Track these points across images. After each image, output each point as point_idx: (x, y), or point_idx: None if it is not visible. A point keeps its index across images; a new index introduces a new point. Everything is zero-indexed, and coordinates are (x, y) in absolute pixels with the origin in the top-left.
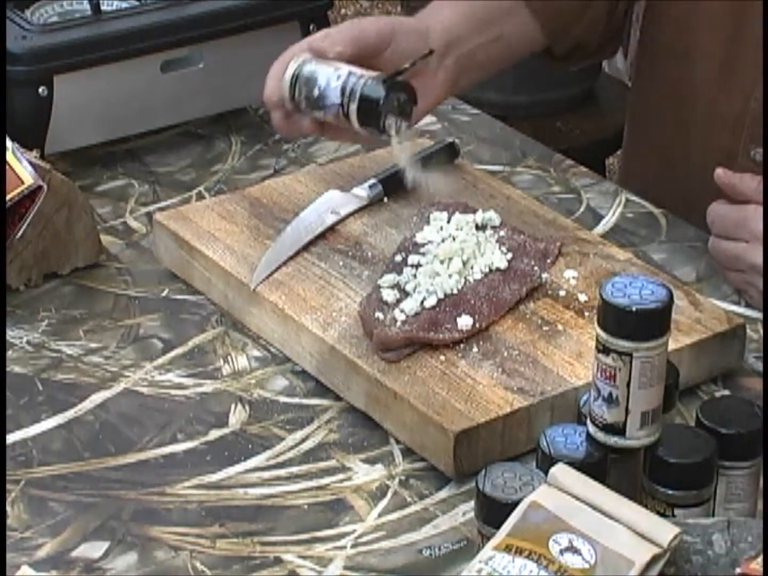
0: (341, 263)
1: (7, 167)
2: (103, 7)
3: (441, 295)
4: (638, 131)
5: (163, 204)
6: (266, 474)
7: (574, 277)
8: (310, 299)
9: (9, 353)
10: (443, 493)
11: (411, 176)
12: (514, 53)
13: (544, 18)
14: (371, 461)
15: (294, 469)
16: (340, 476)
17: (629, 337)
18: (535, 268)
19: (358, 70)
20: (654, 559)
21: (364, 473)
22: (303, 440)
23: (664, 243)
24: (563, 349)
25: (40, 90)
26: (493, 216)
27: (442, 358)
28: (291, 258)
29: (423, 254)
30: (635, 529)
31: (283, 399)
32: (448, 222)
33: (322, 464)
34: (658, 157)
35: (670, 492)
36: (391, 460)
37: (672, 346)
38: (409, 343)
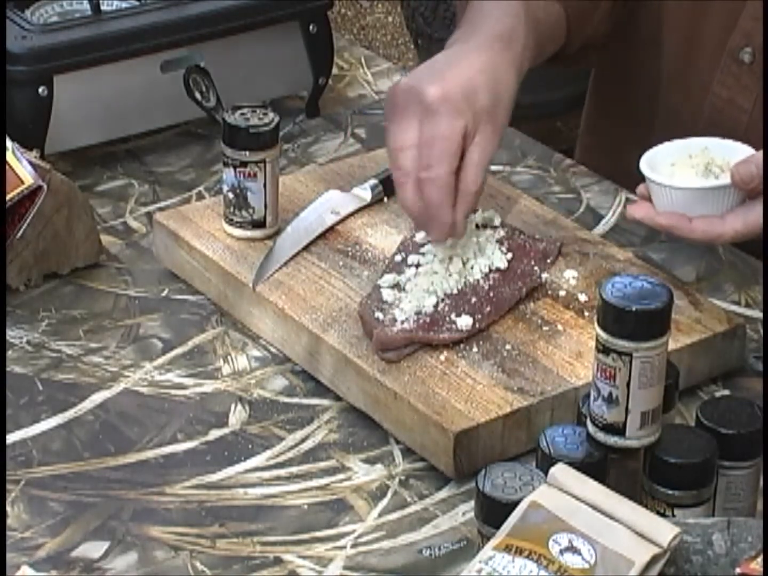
0: (341, 263)
1: (7, 167)
2: (103, 7)
3: (441, 295)
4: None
5: (163, 204)
6: (266, 474)
7: (574, 277)
8: (310, 299)
9: (9, 353)
10: (443, 493)
11: None
12: (544, 53)
13: (572, 15)
14: (371, 461)
15: (294, 469)
16: (340, 476)
17: (629, 337)
18: (535, 268)
19: None
20: (654, 559)
21: (364, 473)
22: (303, 440)
23: (664, 243)
24: (563, 349)
25: (40, 90)
26: (493, 216)
27: (442, 358)
28: (291, 258)
29: (423, 254)
30: (635, 529)
31: (283, 399)
32: None
33: (322, 464)
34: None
35: (670, 492)
36: (391, 460)
37: (672, 346)
38: (409, 343)
